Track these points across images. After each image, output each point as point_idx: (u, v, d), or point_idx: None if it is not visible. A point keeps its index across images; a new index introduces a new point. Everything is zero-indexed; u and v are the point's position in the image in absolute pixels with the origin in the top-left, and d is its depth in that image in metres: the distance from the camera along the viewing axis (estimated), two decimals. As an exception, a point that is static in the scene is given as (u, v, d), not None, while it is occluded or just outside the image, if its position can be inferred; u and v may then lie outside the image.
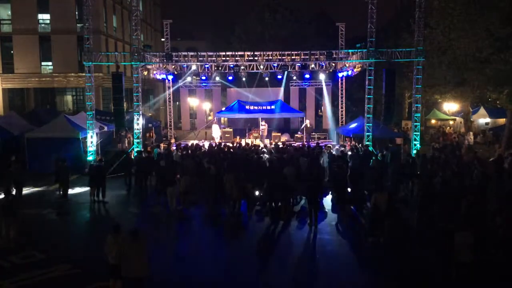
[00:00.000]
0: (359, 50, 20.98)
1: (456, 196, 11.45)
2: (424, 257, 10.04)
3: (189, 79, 27.16)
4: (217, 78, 26.31)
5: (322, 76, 25.95)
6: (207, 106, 32.41)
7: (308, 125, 27.17)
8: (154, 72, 24.43)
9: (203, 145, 22.27)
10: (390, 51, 19.90)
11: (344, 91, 28.65)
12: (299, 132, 27.17)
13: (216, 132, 26.70)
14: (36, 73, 33.03)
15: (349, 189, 14.70)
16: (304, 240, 11.64)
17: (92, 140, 20.21)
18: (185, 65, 23.89)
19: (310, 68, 23.48)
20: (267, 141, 25.24)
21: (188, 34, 65.06)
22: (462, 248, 8.58)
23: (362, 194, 14.30)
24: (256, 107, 28.03)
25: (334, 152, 18.69)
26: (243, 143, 22.90)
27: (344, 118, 29.25)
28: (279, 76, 24.35)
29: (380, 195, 11.29)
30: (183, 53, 23.66)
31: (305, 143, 24.03)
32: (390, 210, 11.26)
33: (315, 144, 21.93)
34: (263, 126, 26.66)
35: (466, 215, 10.37)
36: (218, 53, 22.86)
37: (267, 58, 22.15)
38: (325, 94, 30.80)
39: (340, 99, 29.12)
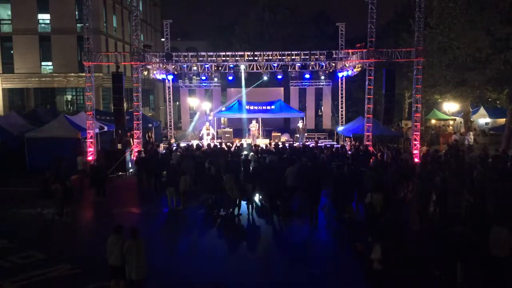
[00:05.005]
0: (359, 50, 20.98)
1: (455, 196, 11.45)
2: (424, 257, 10.03)
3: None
4: (215, 79, 26.22)
5: (322, 76, 25.91)
6: (207, 106, 32.40)
7: (301, 127, 26.89)
8: (154, 72, 24.42)
9: (203, 145, 22.26)
10: (390, 51, 19.90)
11: (344, 91, 28.65)
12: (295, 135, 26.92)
13: (206, 132, 26.38)
14: (36, 73, 33.03)
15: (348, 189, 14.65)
16: (304, 240, 11.64)
17: (92, 140, 20.21)
18: (185, 65, 23.90)
19: (310, 68, 23.47)
20: (261, 141, 24.98)
21: (188, 34, 65.11)
22: (498, 243, 8.36)
23: (362, 194, 14.26)
24: (256, 107, 28.01)
25: (333, 152, 18.68)
26: (244, 144, 22.82)
27: (344, 118, 29.25)
28: (279, 76, 24.32)
29: (378, 195, 11.27)
30: (183, 53, 23.69)
31: (300, 144, 23.71)
32: (388, 210, 11.24)
33: (313, 144, 21.90)
34: (253, 126, 26.07)
35: (467, 215, 10.36)
36: (218, 53, 22.87)
37: (267, 58, 22.15)
38: (325, 94, 30.80)
39: (340, 99, 29.12)
